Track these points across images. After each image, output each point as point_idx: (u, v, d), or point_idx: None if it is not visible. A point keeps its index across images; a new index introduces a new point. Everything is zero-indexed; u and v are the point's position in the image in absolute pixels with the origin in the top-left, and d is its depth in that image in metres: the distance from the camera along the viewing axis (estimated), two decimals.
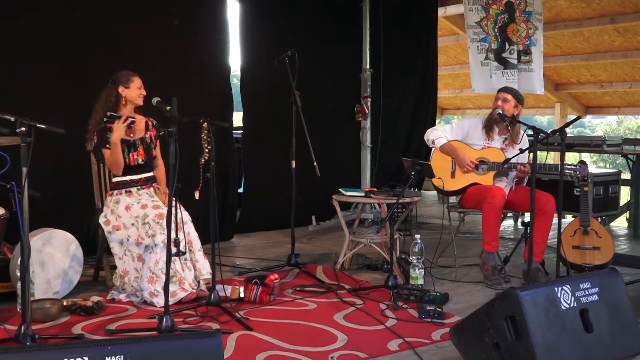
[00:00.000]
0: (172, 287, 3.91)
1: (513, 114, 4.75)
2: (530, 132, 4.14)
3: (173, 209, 3.45)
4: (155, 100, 4.13)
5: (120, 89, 4.27)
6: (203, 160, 3.90)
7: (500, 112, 4.67)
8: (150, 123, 4.48)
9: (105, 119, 4.18)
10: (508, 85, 6.58)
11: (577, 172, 4.43)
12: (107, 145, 4.19)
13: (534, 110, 11.01)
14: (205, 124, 3.84)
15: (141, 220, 4.13)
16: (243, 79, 6.51)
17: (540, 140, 4.04)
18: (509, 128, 4.77)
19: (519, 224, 7.31)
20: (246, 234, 6.47)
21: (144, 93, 4.29)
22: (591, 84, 9.44)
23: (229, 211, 6.22)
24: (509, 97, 4.77)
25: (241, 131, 7.36)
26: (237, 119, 6.89)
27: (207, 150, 3.87)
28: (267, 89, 6.51)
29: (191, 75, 5.78)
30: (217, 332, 2.30)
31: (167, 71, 5.49)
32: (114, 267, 4.27)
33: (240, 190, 7.59)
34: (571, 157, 10.30)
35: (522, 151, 4.51)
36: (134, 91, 4.28)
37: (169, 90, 4.25)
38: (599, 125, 26.70)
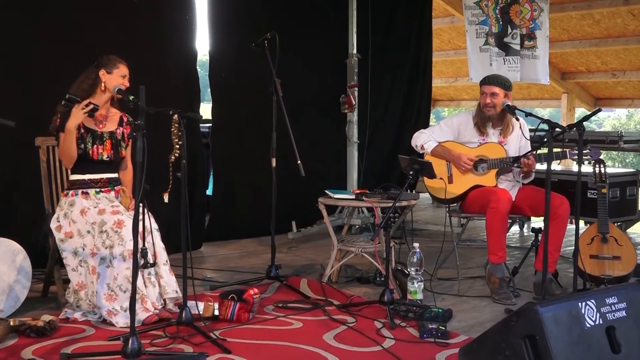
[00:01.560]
0: None
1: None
2: (540, 126, 4.17)
3: (140, 214, 3.40)
4: (115, 88, 4.09)
5: (101, 73, 4.22)
6: (173, 157, 3.85)
7: (509, 103, 4.68)
8: (125, 119, 4.42)
9: (63, 102, 4.10)
10: (510, 74, 6.64)
11: (590, 157, 4.45)
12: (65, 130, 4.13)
13: (537, 102, 11.09)
14: (175, 117, 3.79)
15: (98, 228, 4.06)
16: (212, 65, 6.48)
17: (556, 135, 4.06)
18: (516, 119, 4.77)
19: (525, 230, 7.37)
20: (216, 243, 6.43)
21: (127, 84, 4.24)
22: (602, 72, 9.52)
23: (196, 217, 6.17)
24: (497, 89, 4.78)
25: (209, 125, 7.32)
26: (204, 111, 6.85)
27: (177, 147, 3.83)
28: (241, 77, 6.49)
29: (152, 61, 5.72)
30: (200, 356, 2.26)
31: (124, 56, 5.40)
32: (67, 281, 4.20)
33: (209, 192, 7.55)
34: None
35: (534, 148, 4.51)
36: (115, 79, 4.23)
37: (130, 79, 4.24)
38: (606, 119, 27.06)
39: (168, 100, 4.76)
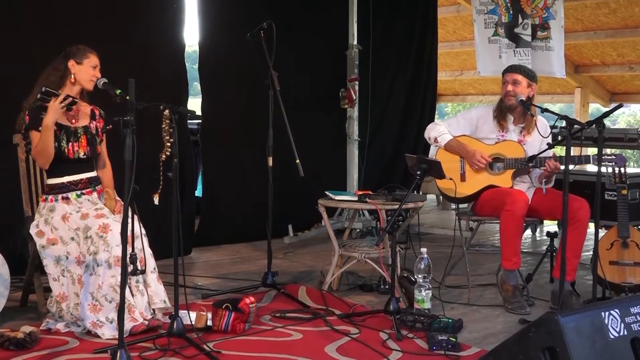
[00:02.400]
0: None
1: (528, 96, 4.78)
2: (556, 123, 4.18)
3: (129, 217, 3.38)
4: (101, 81, 4.08)
5: (70, 64, 4.20)
6: (164, 156, 3.84)
7: (523, 98, 4.68)
8: (97, 112, 4.40)
9: (39, 95, 4.07)
10: None
11: (614, 164, 4.45)
12: (39, 128, 4.09)
13: (548, 96, 11.09)
14: (166, 112, 3.78)
15: (82, 234, 4.04)
16: (202, 57, 6.47)
17: (574, 132, 4.06)
18: (531, 115, 4.78)
19: (537, 234, 7.38)
20: (207, 248, 6.43)
21: (99, 76, 4.21)
22: (618, 65, 9.54)
23: (185, 220, 6.14)
24: (519, 77, 4.80)
25: (197, 121, 7.32)
26: (191, 106, 6.83)
27: (168, 145, 3.82)
28: (233, 70, 6.48)
29: (137, 52, 5.72)
30: None
31: (107, 47, 5.37)
32: (49, 289, 4.18)
33: (198, 193, 7.53)
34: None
35: (550, 146, 4.52)
36: (86, 70, 4.20)
37: (109, 71, 4.22)
38: (620, 115, 27.07)
39: (154, 95, 4.74)
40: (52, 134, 4.08)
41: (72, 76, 4.20)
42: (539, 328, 2.94)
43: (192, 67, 8.03)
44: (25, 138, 4.27)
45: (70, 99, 4.10)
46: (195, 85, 7.97)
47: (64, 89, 4.19)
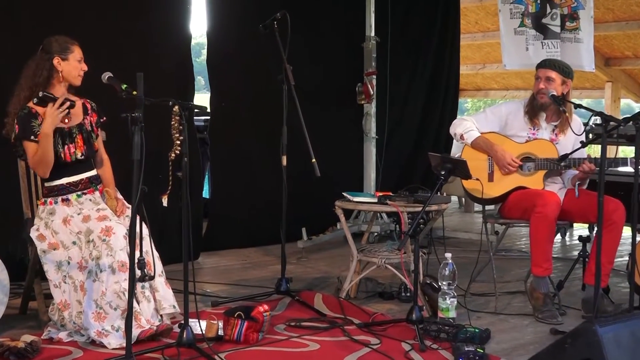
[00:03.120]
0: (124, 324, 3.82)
1: (562, 93, 4.76)
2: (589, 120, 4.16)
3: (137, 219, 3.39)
4: (106, 75, 4.05)
5: (56, 61, 4.15)
6: (173, 155, 3.84)
7: (555, 93, 4.66)
8: (89, 106, 4.39)
9: (35, 101, 4.06)
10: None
11: None
12: (33, 138, 4.07)
13: (577, 92, 11.07)
14: (176, 108, 3.78)
15: (84, 237, 4.04)
16: (211, 49, 6.47)
17: (610, 130, 4.04)
18: (565, 113, 4.76)
19: (567, 238, 7.36)
20: (215, 252, 6.44)
21: (85, 68, 4.21)
22: None
23: (192, 223, 6.14)
24: (553, 74, 4.78)
25: (205, 117, 7.33)
26: (197, 101, 6.84)
27: (178, 143, 3.82)
28: (244, 63, 6.48)
29: (140, 44, 5.72)
30: None
31: (108, 39, 5.42)
32: (50, 296, 4.18)
33: (205, 194, 7.53)
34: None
35: (583, 144, 4.50)
36: (73, 65, 4.18)
37: (111, 65, 4.17)
38: None
39: (159, 90, 4.74)
40: (52, 141, 4.07)
41: (60, 74, 4.17)
42: (576, 339, 2.94)
43: (194, 61, 8.02)
44: (16, 148, 4.22)
45: (68, 102, 4.10)
46: (199, 80, 7.97)
47: (52, 89, 4.17)
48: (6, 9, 5.14)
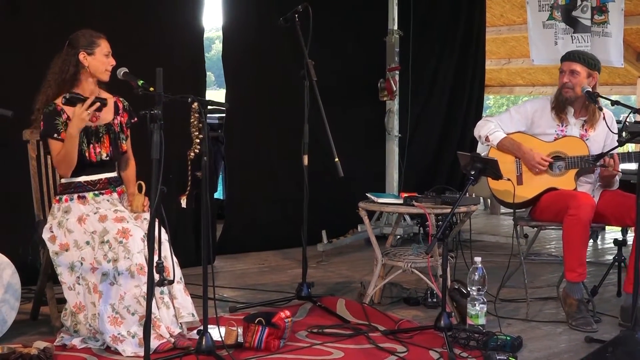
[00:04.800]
0: (142, 332, 3.82)
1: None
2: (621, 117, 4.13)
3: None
4: (122, 71, 4.06)
5: (82, 56, 4.16)
6: (192, 154, 3.85)
7: (589, 89, 4.64)
8: (120, 105, 4.40)
9: (63, 101, 4.06)
10: None
11: None
12: (56, 135, 4.10)
13: (607, 88, 11.04)
14: (195, 105, 3.78)
15: (98, 238, 4.05)
16: (226, 43, 6.48)
17: None
18: (599, 108, 4.73)
19: (599, 241, 7.33)
20: (232, 256, 6.46)
21: (113, 63, 4.20)
22: None
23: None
24: (578, 67, 4.75)
25: (219, 115, 7.35)
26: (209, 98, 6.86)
27: (197, 141, 3.82)
28: (261, 57, 6.48)
29: (150, 38, 5.74)
30: None
31: (118, 34, 5.39)
32: (62, 301, 4.20)
33: (219, 195, 7.56)
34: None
35: (621, 143, 4.46)
36: (100, 60, 4.19)
37: (121, 60, 4.20)
38: None
39: (171, 86, 4.75)
40: (77, 143, 4.08)
41: (86, 70, 4.18)
42: (617, 347, 2.93)
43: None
44: (43, 145, 4.28)
45: (98, 103, 4.09)
46: (208, 75, 7.99)
47: (80, 86, 4.18)
48: (12, 5, 5.16)
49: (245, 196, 6.66)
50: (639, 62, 9.93)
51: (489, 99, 24.74)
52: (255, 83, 6.59)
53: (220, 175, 7.92)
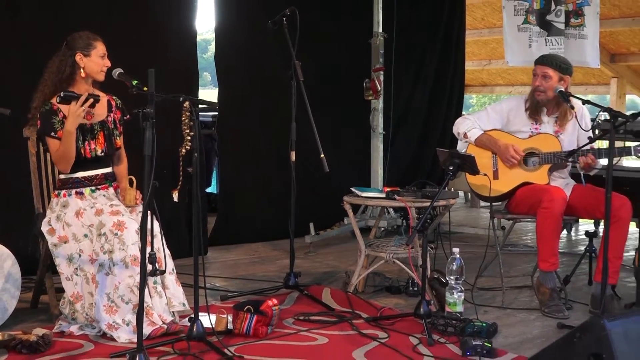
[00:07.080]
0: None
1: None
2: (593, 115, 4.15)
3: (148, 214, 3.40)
4: (117, 72, 4.05)
5: (78, 57, 4.17)
6: (183, 151, 3.86)
7: (562, 89, 4.65)
8: (113, 103, 4.41)
9: (58, 99, 4.07)
10: None
11: None
12: (53, 134, 4.11)
13: (582, 87, 11.08)
14: (186, 104, 3.79)
15: (96, 230, 4.06)
16: (219, 45, 6.48)
17: (618, 126, 4.03)
18: (571, 107, 4.74)
19: (573, 233, 7.36)
20: (223, 247, 6.46)
21: (109, 64, 4.21)
22: None
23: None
24: (550, 71, 4.75)
25: (212, 113, 7.35)
26: (206, 98, 6.85)
27: (188, 138, 3.83)
28: (252, 58, 6.49)
29: (145, 39, 5.72)
30: None
31: (112, 34, 5.38)
32: (60, 290, 4.21)
33: (212, 189, 7.57)
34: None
35: (592, 140, 4.50)
36: (95, 61, 4.19)
37: (117, 60, 4.20)
38: None
39: (165, 85, 4.76)
40: (74, 139, 4.09)
41: (82, 70, 4.18)
42: (584, 333, 2.94)
43: (201, 57, 8.05)
44: (42, 143, 4.29)
45: (92, 99, 4.09)
46: (205, 76, 7.98)
47: (76, 85, 4.19)
48: (11, 7, 5.15)
49: (237, 190, 6.66)
50: (613, 63, 9.96)
51: (472, 98, 24.76)
52: (247, 83, 6.59)
53: (214, 171, 7.93)
